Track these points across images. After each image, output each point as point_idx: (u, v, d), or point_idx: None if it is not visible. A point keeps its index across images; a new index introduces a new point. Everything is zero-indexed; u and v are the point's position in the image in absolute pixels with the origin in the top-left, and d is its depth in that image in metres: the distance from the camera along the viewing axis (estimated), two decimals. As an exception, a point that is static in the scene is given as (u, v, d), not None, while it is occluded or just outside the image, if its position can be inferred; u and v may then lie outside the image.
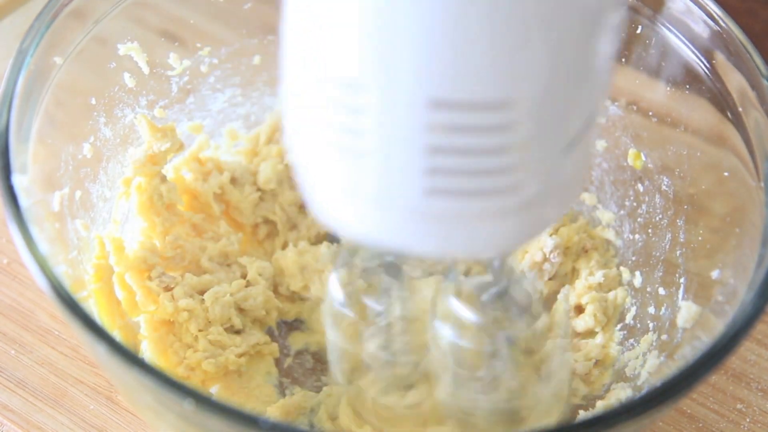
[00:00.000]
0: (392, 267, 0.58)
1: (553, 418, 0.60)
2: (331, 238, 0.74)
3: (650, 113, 0.69)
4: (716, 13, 0.62)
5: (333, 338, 0.60)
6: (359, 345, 0.59)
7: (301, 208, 0.76)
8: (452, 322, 0.56)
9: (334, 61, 0.41)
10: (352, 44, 0.41)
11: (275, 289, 0.72)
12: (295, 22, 0.43)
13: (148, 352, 0.65)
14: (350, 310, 0.58)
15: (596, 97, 0.45)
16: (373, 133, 0.41)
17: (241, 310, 0.69)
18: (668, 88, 0.67)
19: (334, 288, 0.58)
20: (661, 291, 0.66)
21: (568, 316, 0.67)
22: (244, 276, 0.71)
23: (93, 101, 0.66)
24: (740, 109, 0.61)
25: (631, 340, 0.67)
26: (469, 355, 0.57)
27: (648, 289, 0.68)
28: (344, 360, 0.61)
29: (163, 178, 0.70)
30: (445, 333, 0.57)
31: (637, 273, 0.69)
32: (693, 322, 0.60)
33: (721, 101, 0.62)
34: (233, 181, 0.74)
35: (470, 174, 0.42)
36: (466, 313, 0.56)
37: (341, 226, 0.46)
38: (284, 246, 0.74)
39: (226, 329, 0.68)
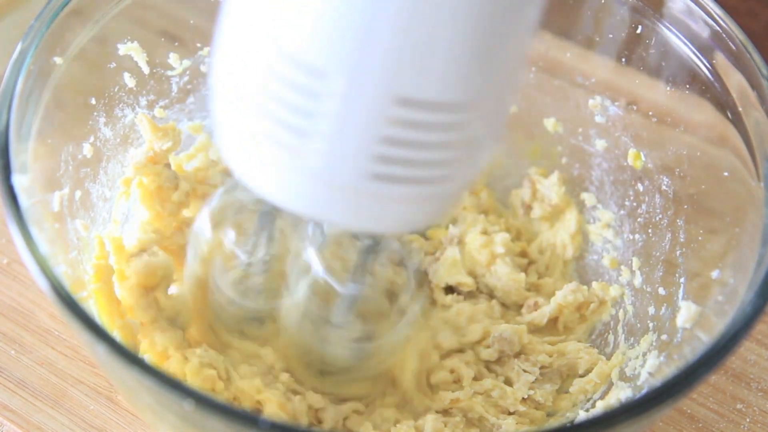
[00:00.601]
0: (267, 215, 0.60)
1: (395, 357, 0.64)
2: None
3: (650, 113, 0.69)
4: (716, 13, 0.62)
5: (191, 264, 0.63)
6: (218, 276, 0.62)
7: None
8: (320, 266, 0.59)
9: (297, 44, 0.42)
10: (324, 31, 0.42)
11: None
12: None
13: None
14: (212, 240, 0.61)
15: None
16: (329, 118, 0.43)
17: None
18: (668, 88, 0.67)
19: (204, 219, 0.61)
20: (661, 291, 0.66)
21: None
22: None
23: (93, 101, 0.66)
24: (740, 109, 0.61)
25: (632, 340, 0.67)
26: (324, 293, 0.60)
27: (648, 289, 0.68)
28: (196, 286, 0.63)
29: (168, 166, 0.69)
30: (305, 280, 0.60)
31: (637, 273, 0.69)
32: (693, 322, 0.60)
33: (721, 101, 0.62)
34: None
35: (415, 164, 0.45)
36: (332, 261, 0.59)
37: (261, 189, 0.47)
38: None
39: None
